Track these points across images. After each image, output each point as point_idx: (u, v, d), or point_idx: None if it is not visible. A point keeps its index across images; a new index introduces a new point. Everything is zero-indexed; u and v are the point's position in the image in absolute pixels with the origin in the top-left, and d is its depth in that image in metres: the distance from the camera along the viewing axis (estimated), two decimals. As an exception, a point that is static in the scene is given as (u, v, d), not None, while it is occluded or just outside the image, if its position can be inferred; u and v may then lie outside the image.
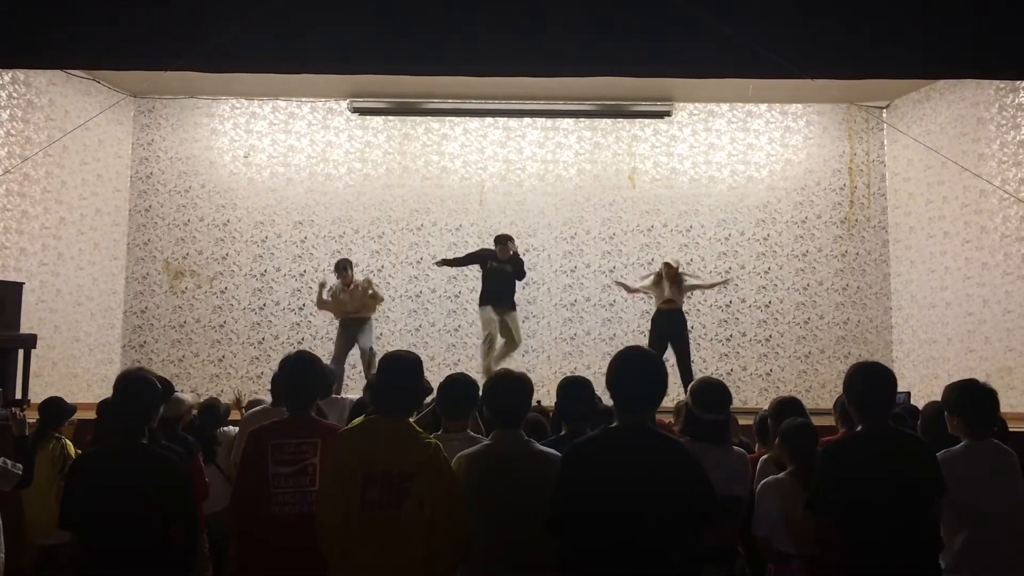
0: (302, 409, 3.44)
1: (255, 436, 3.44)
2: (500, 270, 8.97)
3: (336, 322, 9.50)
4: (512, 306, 8.99)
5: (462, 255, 9.51)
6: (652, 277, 9.59)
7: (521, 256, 9.21)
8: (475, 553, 3.14)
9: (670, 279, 9.33)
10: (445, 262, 9.40)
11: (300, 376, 3.48)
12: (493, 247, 9.07)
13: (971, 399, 3.70)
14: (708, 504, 2.79)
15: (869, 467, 3.14)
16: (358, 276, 9.58)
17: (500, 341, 8.88)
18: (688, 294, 9.59)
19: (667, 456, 2.81)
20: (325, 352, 10.33)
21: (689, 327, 9.44)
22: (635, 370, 2.90)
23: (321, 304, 9.38)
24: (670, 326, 9.15)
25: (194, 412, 5.50)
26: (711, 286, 10.16)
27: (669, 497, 2.71)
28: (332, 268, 9.46)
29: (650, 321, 9.49)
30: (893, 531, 3.09)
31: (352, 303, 9.21)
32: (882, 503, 3.11)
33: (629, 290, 9.96)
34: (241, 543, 3.41)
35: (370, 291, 9.26)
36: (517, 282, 9.06)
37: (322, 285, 9.32)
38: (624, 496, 2.69)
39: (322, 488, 3.13)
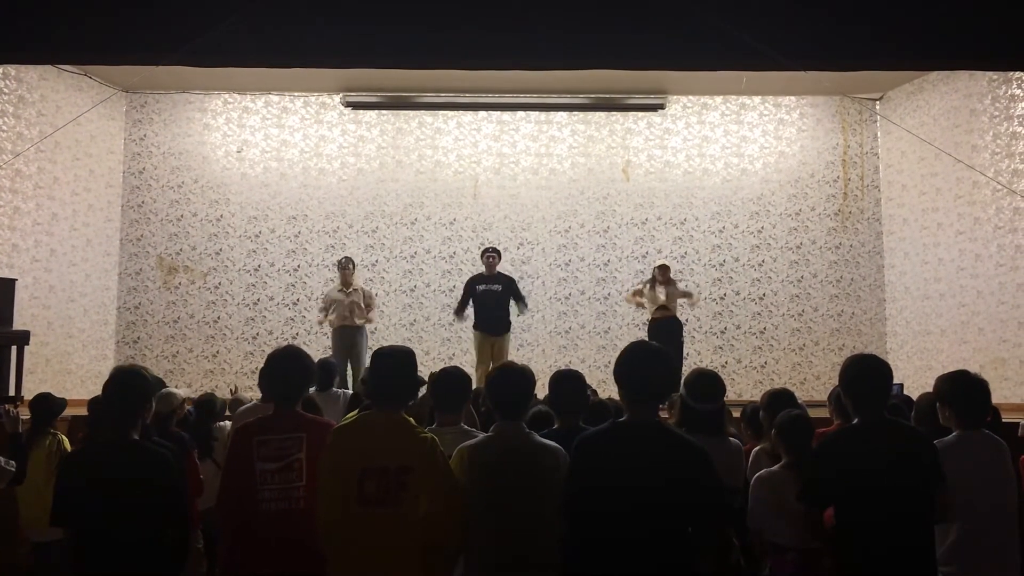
0: (287, 404, 3.43)
1: (240, 433, 3.44)
2: (489, 290, 8.97)
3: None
4: (505, 329, 9.00)
5: (460, 301, 9.28)
6: (647, 283, 9.55)
7: (515, 278, 9.32)
8: (477, 544, 3.15)
9: (664, 282, 9.33)
10: (458, 313, 9.26)
11: (285, 371, 3.46)
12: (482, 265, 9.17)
13: (962, 390, 3.70)
14: (715, 500, 2.81)
15: (866, 459, 3.14)
16: (360, 282, 9.53)
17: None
18: (680, 301, 9.55)
19: (676, 452, 2.84)
20: (319, 347, 10.33)
21: (683, 333, 9.47)
22: (644, 365, 2.93)
23: (322, 314, 9.42)
24: (662, 335, 9.09)
25: (188, 408, 5.49)
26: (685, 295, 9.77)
27: (676, 492, 2.73)
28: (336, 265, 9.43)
29: (646, 332, 9.45)
30: (890, 523, 3.09)
31: (350, 307, 9.15)
32: (880, 495, 3.10)
33: (636, 303, 9.80)
34: (230, 540, 3.40)
35: (367, 302, 9.27)
36: (516, 302, 9.07)
37: (322, 311, 9.39)
38: (632, 489, 2.72)
39: (320, 484, 3.13)
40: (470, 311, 9.17)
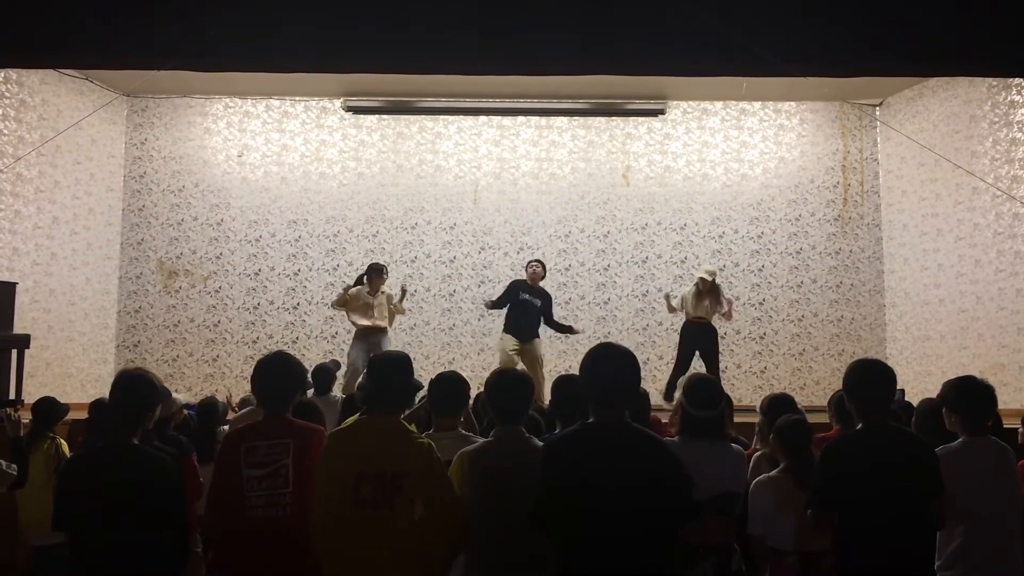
0: (277, 410, 3.43)
1: (229, 439, 3.45)
2: (530, 302, 8.97)
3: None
4: (536, 335, 8.96)
5: (499, 297, 9.21)
6: (692, 289, 9.32)
7: (548, 291, 9.27)
8: (478, 548, 3.17)
9: (708, 292, 9.20)
10: (491, 307, 9.25)
11: (273, 377, 3.46)
12: (524, 274, 9.20)
13: (968, 395, 3.70)
14: (682, 499, 2.81)
15: (869, 464, 3.15)
16: (389, 287, 9.43)
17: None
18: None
19: (643, 451, 2.84)
20: (319, 352, 10.34)
21: (721, 337, 9.41)
22: (609, 366, 2.92)
23: (339, 304, 9.13)
24: (702, 338, 9.16)
25: (185, 412, 5.50)
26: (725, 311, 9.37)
27: (645, 491, 2.73)
28: (366, 270, 9.24)
29: (679, 332, 9.37)
30: (890, 529, 3.10)
31: (379, 310, 9.08)
32: (881, 501, 3.11)
33: (670, 309, 9.56)
34: (218, 547, 3.41)
35: (394, 302, 9.19)
36: (545, 322, 9.06)
37: (347, 289, 9.10)
38: (602, 491, 2.71)
39: (315, 488, 3.14)
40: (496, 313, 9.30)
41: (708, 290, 9.20)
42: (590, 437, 2.86)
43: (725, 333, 11.22)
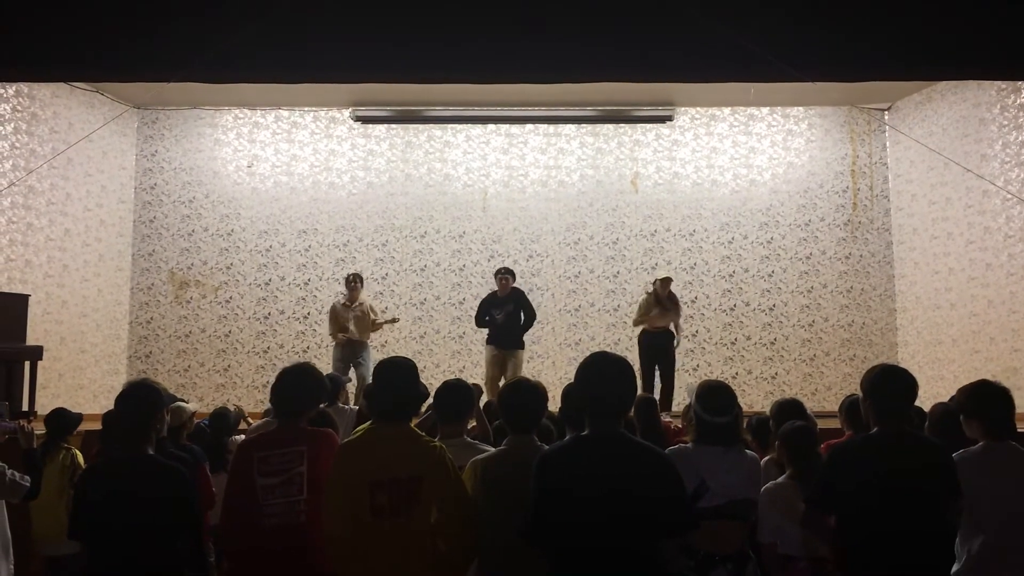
0: (290, 419, 3.45)
1: (242, 448, 3.48)
2: (502, 313, 8.91)
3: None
4: (518, 345, 8.91)
5: (476, 317, 9.22)
6: (647, 299, 9.24)
7: (526, 294, 9.16)
8: (489, 556, 3.17)
9: (667, 297, 9.14)
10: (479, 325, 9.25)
11: (290, 387, 3.50)
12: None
13: (987, 400, 3.67)
14: (677, 510, 2.81)
15: (883, 468, 3.12)
16: (365, 297, 9.50)
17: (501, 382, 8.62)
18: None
19: (637, 462, 2.81)
20: (330, 361, 10.33)
21: (675, 343, 9.21)
22: (605, 376, 2.89)
23: (332, 331, 9.35)
24: (658, 345, 9.08)
25: (196, 421, 5.50)
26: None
27: (638, 503, 2.71)
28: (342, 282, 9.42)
29: (638, 342, 9.27)
30: (904, 534, 3.07)
31: (355, 324, 9.14)
32: (894, 505, 3.08)
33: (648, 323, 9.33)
34: (233, 556, 3.42)
35: (373, 316, 9.26)
36: (527, 319, 9.00)
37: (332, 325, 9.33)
38: (594, 503, 2.69)
39: (326, 500, 3.13)
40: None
41: (667, 297, 9.14)
42: (583, 449, 2.83)
43: (736, 339, 11.22)
